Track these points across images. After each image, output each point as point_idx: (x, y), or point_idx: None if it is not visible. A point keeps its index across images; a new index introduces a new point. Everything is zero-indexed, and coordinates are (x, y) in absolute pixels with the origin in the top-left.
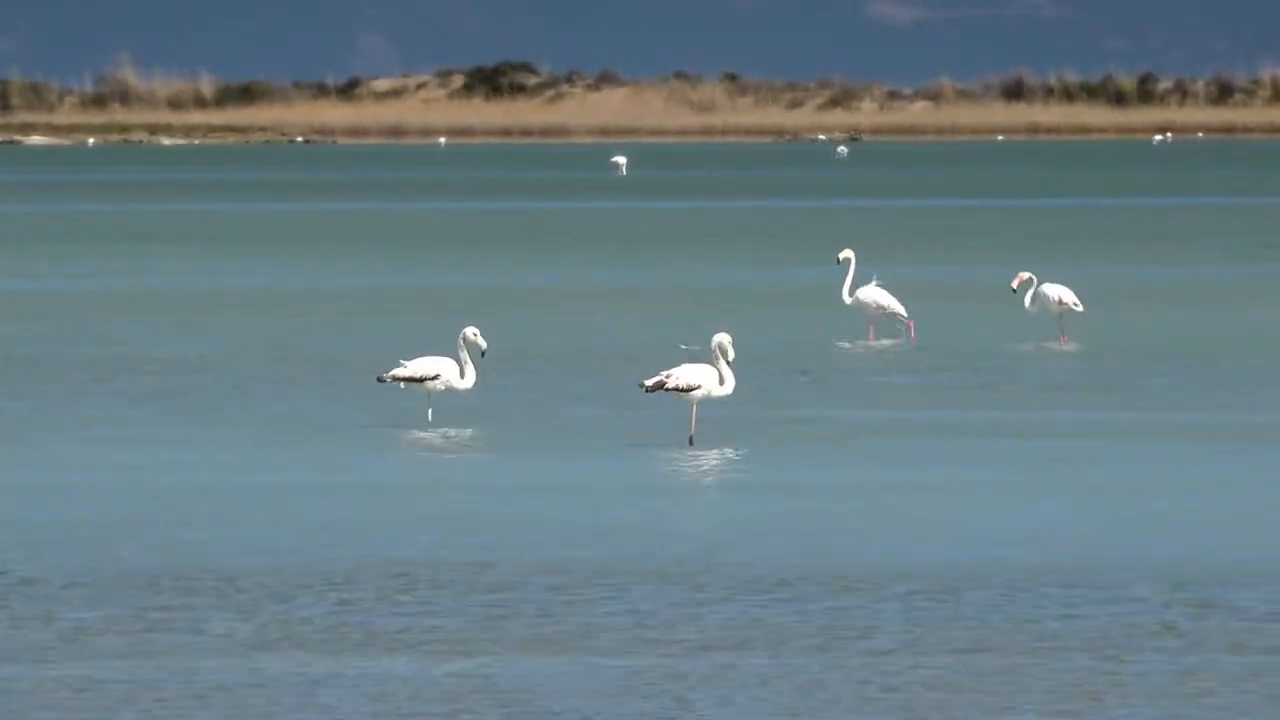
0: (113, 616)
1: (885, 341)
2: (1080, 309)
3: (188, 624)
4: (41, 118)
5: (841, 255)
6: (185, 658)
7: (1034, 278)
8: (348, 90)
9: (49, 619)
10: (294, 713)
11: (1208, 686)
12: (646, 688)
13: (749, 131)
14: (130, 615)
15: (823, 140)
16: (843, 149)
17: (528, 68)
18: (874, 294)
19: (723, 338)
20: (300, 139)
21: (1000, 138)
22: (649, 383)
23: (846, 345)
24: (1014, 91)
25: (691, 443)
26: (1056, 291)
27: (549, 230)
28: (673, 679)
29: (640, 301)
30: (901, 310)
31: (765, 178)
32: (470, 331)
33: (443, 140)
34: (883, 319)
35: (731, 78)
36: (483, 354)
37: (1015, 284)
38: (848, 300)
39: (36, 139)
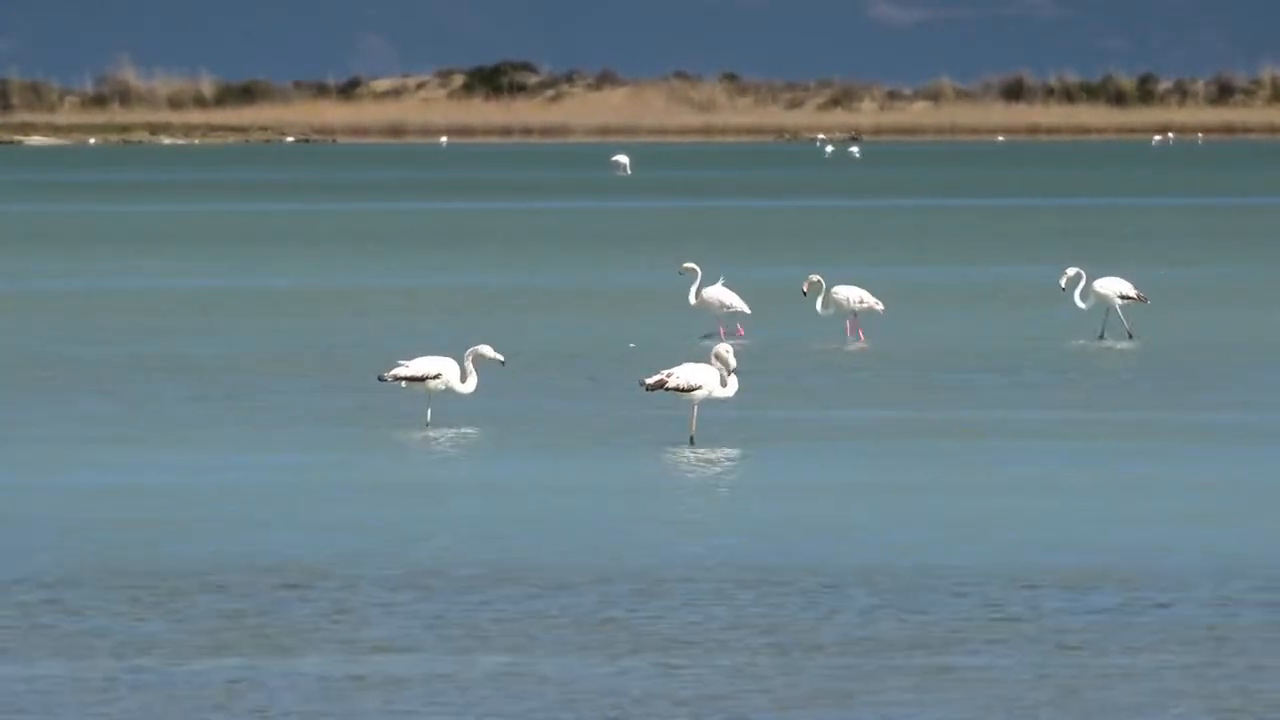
0: (102, 614)
1: (856, 342)
2: (881, 308)
3: (182, 622)
4: (42, 118)
5: (684, 267)
6: (178, 656)
7: (823, 280)
8: (348, 90)
9: (42, 616)
10: (287, 712)
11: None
12: (643, 688)
13: (749, 131)
14: (120, 613)
15: (822, 140)
16: (853, 149)
17: (528, 68)
18: (719, 293)
19: (721, 348)
20: (291, 139)
21: (1001, 138)
22: (650, 381)
23: (843, 345)
24: (1014, 92)
25: (692, 442)
26: (855, 293)
27: (549, 230)
28: (670, 678)
29: (641, 301)
30: (745, 308)
31: (765, 177)
32: (485, 350)
33: (444, 140)
34: (727, 317)
35: (731, 78)
36: (502, 364)
37: (805, 287)
38: (693, 302)
39: (37, 139)
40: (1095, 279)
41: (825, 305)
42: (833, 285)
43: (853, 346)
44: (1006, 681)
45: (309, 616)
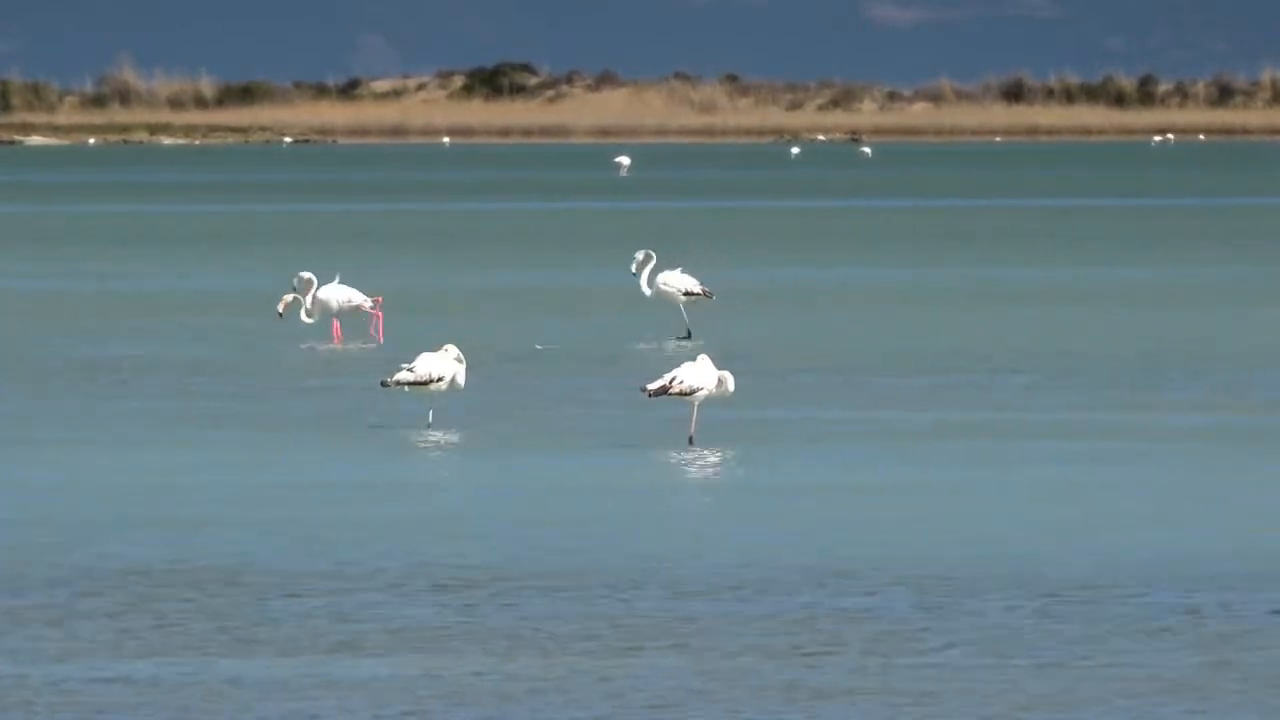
0: (105, 614)
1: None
2: (368, 305)
3: (182, 622)
4: (42, 118)
5: (301, 277)
6: (179, 656)
7: (315, 279)
8: (348, 90)
9: (41, 618)
10: (282, 713)
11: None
12: (639, 688)
13: (749, 132)
14: (122, 613)
15: (821, 140)
16: (865, 149)
17: (527, 68)
18: (337, 291)
19: (724, 374)
20: (290, 140)
21: (999, 139)
22: (652, 387)
23: (839, 347)
24: (1014, 92)
25: (691, 443)
26: (341, 294)
27: (550, 230)
28: (667, 679)
29: (641, 301)
30: (366, 302)
31: (765, 178)
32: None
33: (446, 140)
34: (347, 316)
35: (732, 78)
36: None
37: (283, 307)
38: (311, 305)
39: (37, 139)
40: (662, 271)
41: (310, 312)
42: (318, 288)
43: (362, 345)
44: (1001, 684)
45: (304, 616)
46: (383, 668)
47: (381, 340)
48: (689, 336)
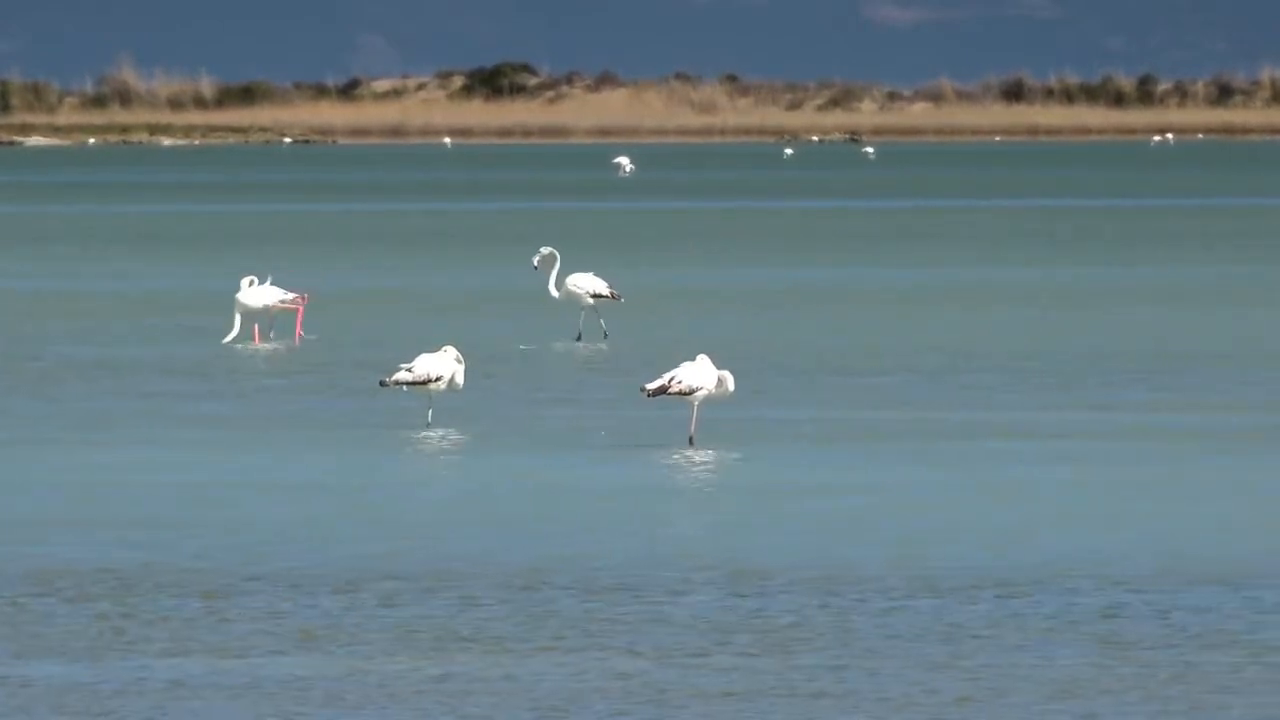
0: (106, 615)
1: (573, 342)
2: (295, 307)
3: (185, 623)
4: (42, 118)
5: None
6: (181, 657)
7: (257, 279)
8: (348, 90)
9: (39, 618)
10: (284, 712)
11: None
12: (637, 688)
13: (749, 132)
14: (122, 614)
15: (816, 141)
16: (868, 150)
17: (527, 69)
18: (254, 295)
19: (724, 374)
20: (290, 140)
21: (998, 139)
22: (651, 387)
23: (838, 347)
24: (1014, 92)
25: (691, 443)
26: (267, 295)
27: (549, 230)
28: (664, 679)
29: (641, 302)
30: (288, 297)
31: (765, 178)
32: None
33: (447, 140)
34: (271, 317)
35: (732, 78)
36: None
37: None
38: (248, 304)
39: (37, 139)
40: (570, 274)
41: (240, 316)
42: (239, 293)
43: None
44: (1002, 677)
45: (305, 616)
46: (381, 667)
47: (298, 339)
48: (579, 338)
